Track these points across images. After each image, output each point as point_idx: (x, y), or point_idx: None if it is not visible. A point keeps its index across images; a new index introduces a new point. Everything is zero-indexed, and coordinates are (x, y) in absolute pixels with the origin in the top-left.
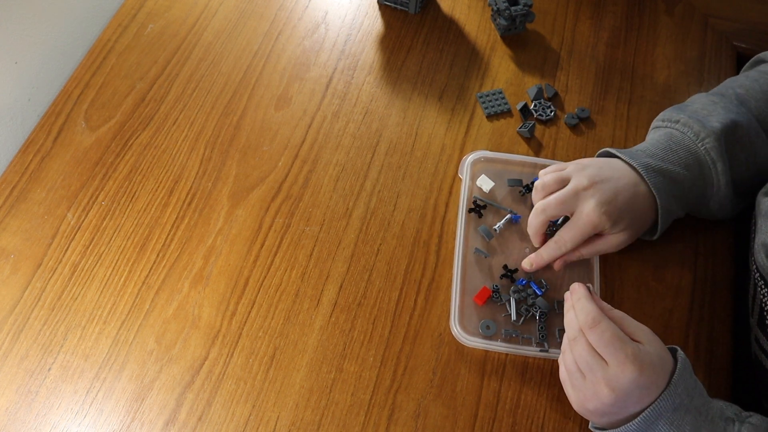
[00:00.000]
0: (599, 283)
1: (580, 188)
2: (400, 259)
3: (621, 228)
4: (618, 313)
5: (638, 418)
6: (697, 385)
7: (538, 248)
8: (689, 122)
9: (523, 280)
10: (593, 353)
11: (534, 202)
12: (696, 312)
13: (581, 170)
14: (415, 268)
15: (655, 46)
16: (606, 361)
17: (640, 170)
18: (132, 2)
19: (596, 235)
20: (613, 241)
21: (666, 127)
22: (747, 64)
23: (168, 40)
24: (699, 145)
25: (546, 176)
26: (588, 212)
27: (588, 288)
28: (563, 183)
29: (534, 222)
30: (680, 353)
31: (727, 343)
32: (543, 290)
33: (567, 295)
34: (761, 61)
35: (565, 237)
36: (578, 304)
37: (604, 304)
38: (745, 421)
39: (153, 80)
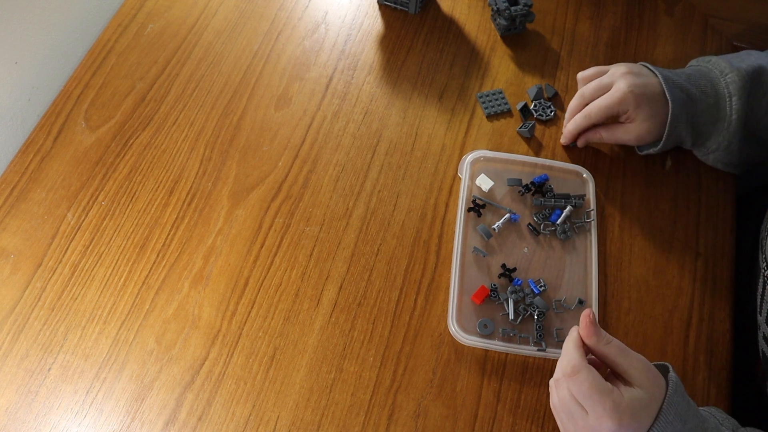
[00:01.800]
0: (596, 286)
1: (618, 74)
2: (400, 259)
3: (641, 116)
4: (614, 348)
5: None
6: (690, 406)
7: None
8: (718, 62)
9: (519, 280)
10: (574, 401)
11: (570, 108)
12: (696, 312)
13: (621, 65)
14: (415, 268)
15: (655, 46)
16: (586, 411)
17: (660, 79)
18: (132, 2)
19: (617, 123)
20: (631, 129)
21: (697, 65)
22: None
23: (168, 40)
24: (722, 79)
25: (587, 87)
26: (618, 87)
27: (589, 321)
28: (604, 89)
29: (579, 121)
30: (671, 375)
31: (727, 343)
32: (541, 289)
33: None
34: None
35: (593, 108)
36: (564, 349)
37: (603, 335)
38: None
39: (153, 80)
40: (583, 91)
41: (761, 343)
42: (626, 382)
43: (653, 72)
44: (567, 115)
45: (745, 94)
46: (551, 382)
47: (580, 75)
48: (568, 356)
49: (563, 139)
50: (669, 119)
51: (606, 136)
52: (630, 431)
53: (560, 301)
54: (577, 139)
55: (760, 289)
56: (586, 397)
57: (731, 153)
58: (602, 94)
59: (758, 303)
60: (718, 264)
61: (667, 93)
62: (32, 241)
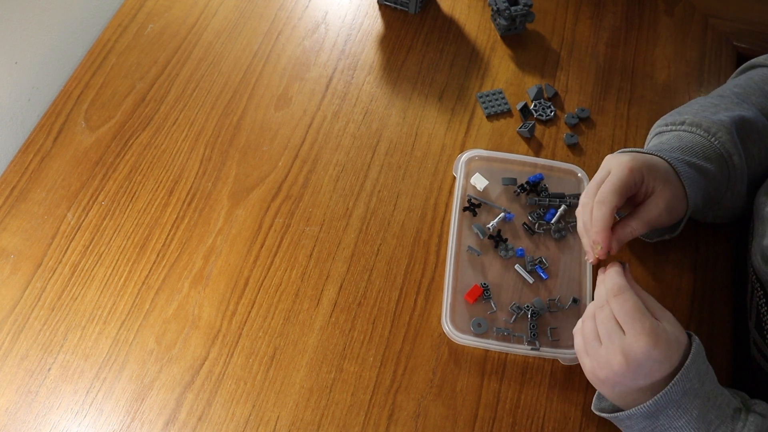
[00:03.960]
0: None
1: (650, 188)
2: (400, 259)
3: (659, 184)
4: (643, 293)
5: (648, 402)
6: (709, 370)
7: (599, 246)
8: (696, 120)
9: (521, 250)
10: (614, 322)
11: (580, 216)
12: (696, 312)
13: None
14: (415, 268)
15: (655, 46)
16: (624, 331)
17: (670, 161)
18: (132, 2)
19: (639, 205)
20: (658, 201)
21: (671, 131)
22: (735, 72)
23: (168, 40)
24: (713, 140)
25: (588, 187)
26: (621, 160)
27: (623, 266)
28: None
29: (598, 215)
30: (695, 339)
31: (727, 343)
32: (546, 270)
33: (600, 270)
34: (751, 67)
35: (605, 192)
36: (607, 275)
37: (632, 282)
38: (751, 409)
39: (153, 80)
40: (586, 192)
41: (752, 348)
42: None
43: (646, 152)
44: (582, 228)
45: (738, 147)
46: (586, 312)
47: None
48: (612, 279)
49: (595, 254)
50: (688, 204)
51: (636, 225)
52: (659, 359)
53: (554, 300)
54: (610, 245)
55: (748, 295)
56: (628, 314)
57: (735, 208)
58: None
59: (748, 308)
60: (718, 264)
61: (681, 178)
62: (32, 241)
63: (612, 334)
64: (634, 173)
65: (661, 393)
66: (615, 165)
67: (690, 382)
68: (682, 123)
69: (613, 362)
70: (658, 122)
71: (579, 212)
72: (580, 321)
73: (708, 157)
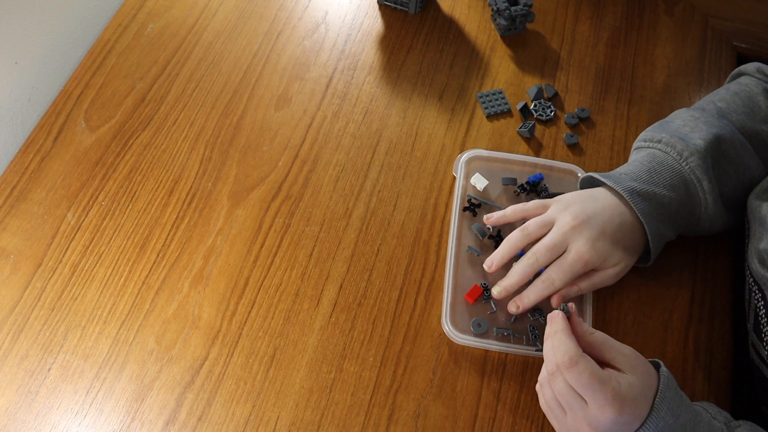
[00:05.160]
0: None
1: (567, 229)
2: (400, 259)
3: (615, 260)
4: (599, 337)
5: None
6: (683, 400)
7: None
8: (671, 141)
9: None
10: (572, 392)
11: (510, 245)
12: (696, 312)
13: (564, 209)
14: (415, 268)
15: (655, 46)
16: (585, 402)
17: (625, 196)
18: (132, 2)
19: (592, 270)
20: (611, 273)
21: (648, 147)
22: (729, 77)
23: (168, 40)
24: (683, 164)
25: (529, 224)
26: (578, 250)
27: (568, 313)
28: (547, 227)
29: (519, 268)
30: (663, 370)
31: (727, 343)
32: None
33: (549, 318)
34: (741, 74)
35: (554, 276)
36: (555, 339)
37: (585, 327)
38: None
39: (153, 80)
40: (536, 257)
41: (751, 350)
42: (617, 371)
43: (602, 182)
44: (501, 256)
45: (709, 173)
46: (542, 376)
47: (520, 231)
48: (562, 347)
49: (516, 309)
50: (650, 239)
51: (585, 287)
52: (629, 419)
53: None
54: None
55: (746, 296)
56: (586, 387)
57: (715, 226)
58: (555, 253)
59: (746, 310)
60: (718, 264)
61: (638, 214)
62: (32, 241)
63: (573, 405)
64: (589, 264)
65: None
66: (573, 251)
67: (663, 420)
68: (659, 141)
69: None
70: (641, 135)
71: (520, 269)
72: (541, 373)
73: (674, 186)
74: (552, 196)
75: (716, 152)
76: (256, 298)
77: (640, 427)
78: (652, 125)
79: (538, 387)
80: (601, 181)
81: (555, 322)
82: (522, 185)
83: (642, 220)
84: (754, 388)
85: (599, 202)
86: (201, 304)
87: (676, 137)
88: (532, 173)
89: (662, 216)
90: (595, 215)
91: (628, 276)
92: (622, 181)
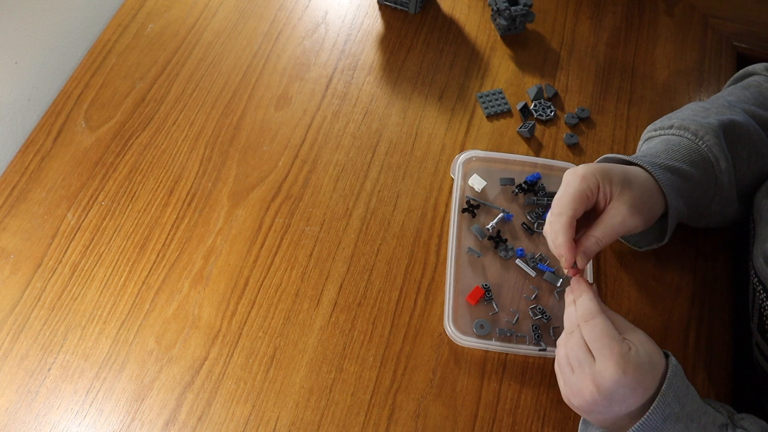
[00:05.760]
0: (591, 282)
1: (607, 193)
2: (400, 259)
3: (617, 189)
4: (614, 314)
5: (629, 430)
6: (690, 390)
7: (567, 259)
8: (684, 124)
9: (521, 250)
10: (584, 348)
11: (547, 234)
12: (696, 312)
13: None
14: (415, 268)
15: (655, 46)
16: (594, 357)
17: (648, 168)
18: (132, 2)
19: (600, 215)
20: (620, 205)
21: (660, 135)
22: (731, 80)
23: (168, 40)
24: (700, 143)
25: (550, 211)
26: (576, 169)
27: (592, 285)
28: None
29: (556, 227)
30: (672, 359)
31: (727, 343)
32: (550, 266)
33: (568, 290)
34: (747, 75)
35: (559, 202)
36: (579, 299)
37: (603, 304)
38: (738, 425)
39: (153, 80)
40: (550, 210)
41: (755, 350)
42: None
43: (626, 161)
44: (551, 245)
45: (725, 152)
46: (560, 338)
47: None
48: (585, 305)
49: (565, 269)
50: (669, 213)
51: (600, 233)
52: (631, 386)
53: (556, 300)
54: (575, 258)
55: (750, 296)
56: (597, 340)
57: (725, 213)
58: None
59: (750, 310)
60: (718, 264)
61: (661, 186)
62: (32, 241)
63: (582, 361)
64: (587, 179)
65: (640, 422)
66: (568, 175)
67: (669, 407)
68: (671, 127)
69: (585, 391)
70: (648, 127)
71: (546, 231)
72: (560, 337)
73: (693, 161)
74: (550, 195)
75: (731, 134)
76: (256, 298)
77: (647, 405)
78: (659, 118)
79: (558, 345)
80: (626, 160)
81: (579, 287)
82: (520, 185)
83: (664, 191)
84: (758, 388)
85: (630, 171)
86: (201, 304)
87: (688, 120)
88: (530, 173)
89: (683, 190)
90: (633, 181)
91: (628, 276)
92: (641, 158)
